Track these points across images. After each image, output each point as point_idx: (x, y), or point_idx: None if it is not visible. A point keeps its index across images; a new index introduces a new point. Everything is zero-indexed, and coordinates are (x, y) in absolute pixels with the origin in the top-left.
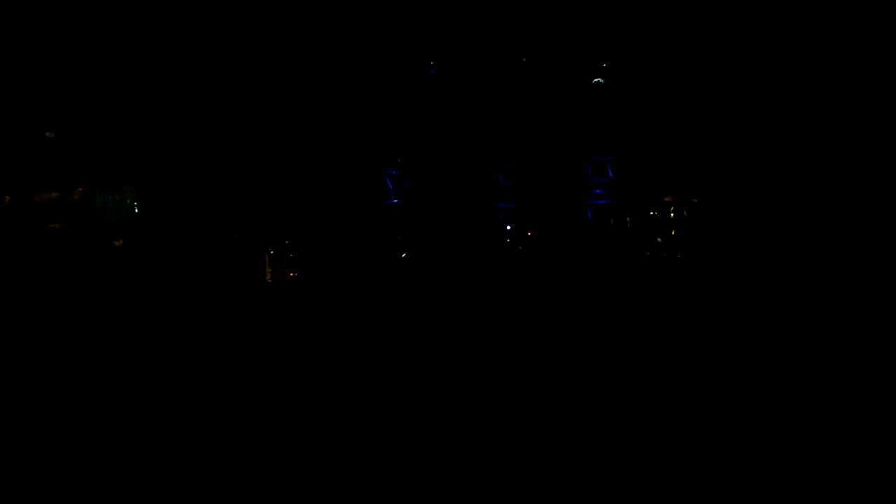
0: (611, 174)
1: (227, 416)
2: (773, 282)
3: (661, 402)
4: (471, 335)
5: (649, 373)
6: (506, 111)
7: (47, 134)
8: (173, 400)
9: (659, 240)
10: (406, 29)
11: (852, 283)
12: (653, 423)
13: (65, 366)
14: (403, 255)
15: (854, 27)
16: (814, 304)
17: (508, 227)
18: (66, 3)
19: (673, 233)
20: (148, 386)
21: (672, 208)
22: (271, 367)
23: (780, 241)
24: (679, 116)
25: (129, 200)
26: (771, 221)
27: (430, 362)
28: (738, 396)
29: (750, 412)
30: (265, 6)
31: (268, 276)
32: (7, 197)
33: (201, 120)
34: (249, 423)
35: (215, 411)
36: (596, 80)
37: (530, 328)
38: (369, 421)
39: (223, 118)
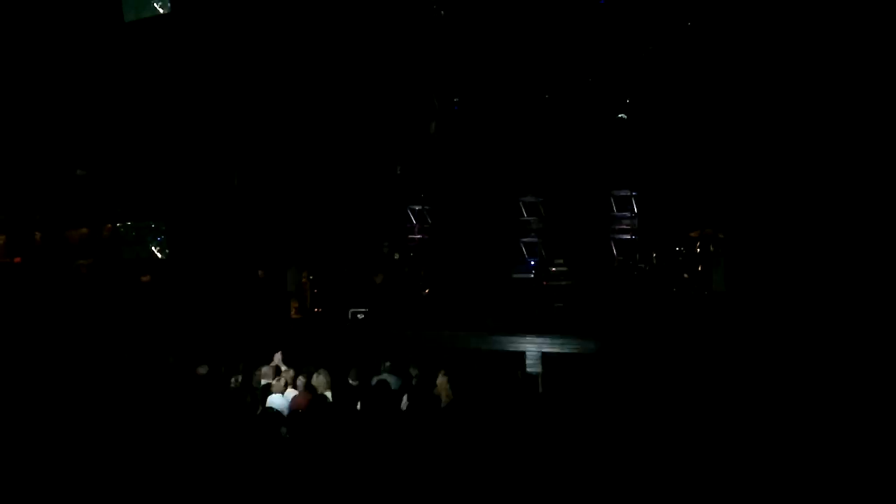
0: (635, 209)
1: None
2: (805, 322)
3: (688, 447)
4: (491, 375)
5: (671, 416)
6: (529, 146)
7: (78, 171)
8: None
9: (686, 276)
10: (431, 65)
11: (886, 316)
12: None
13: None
14: (427, 291)
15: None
16: (844, 347)
17: (532, 263)
18: (99, 53)
19: (700, 268)
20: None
21: (698, 244)
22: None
23: (810, 279)
24: (705, 151)
25: (157, 236)
26: (801, 259)
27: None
28: (772, 445)
29: (786, 462)
30: (290, 50)
31: (293, 312)
32: (38, 233)
33: (229, 158)
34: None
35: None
36: (620, 115)
37: (552, 366)
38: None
39: (250, 155)
